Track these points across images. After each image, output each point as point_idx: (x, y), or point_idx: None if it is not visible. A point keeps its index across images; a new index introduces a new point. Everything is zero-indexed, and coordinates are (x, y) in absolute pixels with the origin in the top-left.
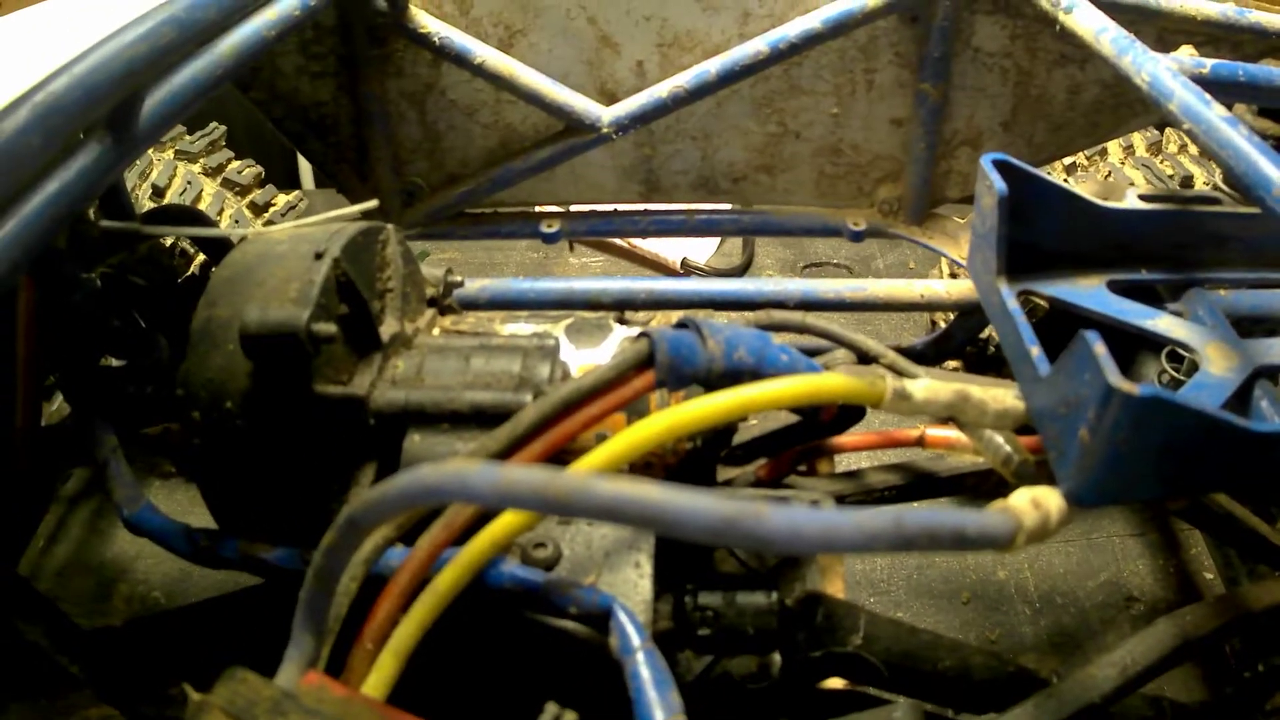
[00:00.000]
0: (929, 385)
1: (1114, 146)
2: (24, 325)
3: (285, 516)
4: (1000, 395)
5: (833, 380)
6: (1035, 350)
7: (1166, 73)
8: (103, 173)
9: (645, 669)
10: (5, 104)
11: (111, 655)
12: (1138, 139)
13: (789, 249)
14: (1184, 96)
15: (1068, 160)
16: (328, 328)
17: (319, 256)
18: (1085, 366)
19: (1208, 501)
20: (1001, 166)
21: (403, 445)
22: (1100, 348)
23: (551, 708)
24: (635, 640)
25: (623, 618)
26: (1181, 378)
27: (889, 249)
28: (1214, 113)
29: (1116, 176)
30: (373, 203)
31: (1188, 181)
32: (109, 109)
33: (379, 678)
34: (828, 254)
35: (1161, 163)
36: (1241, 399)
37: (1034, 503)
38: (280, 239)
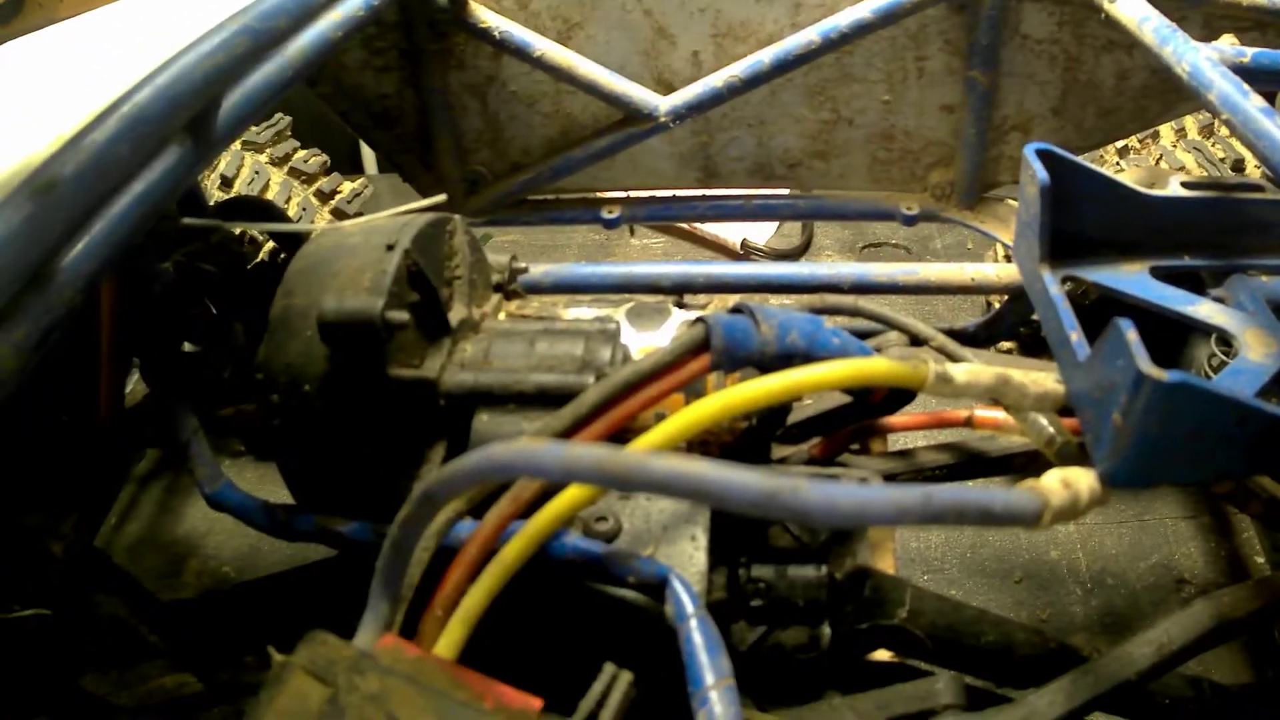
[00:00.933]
0: (970, 369)
1: (1166, 130)
2: (107, 315)
3: (360, 492)
4: (1040, 379)
5: (877, 364)
6: (1074, 335)
7: (1206, 62)
8: (183, 174)
9: (698, 634)
10: (94, 115)
11: (187, 625)
12: (1190, 122)
13: (848, 230)
14: (1222, 86)
15: (1120, 144)
16: (400, 315)
17: (390, 248)
18: (1118, 352)
19: (1253, 486)
20: (1044, 155)
21: (472, 425)
22: (1132, 334)
23: (609, 668)
24: (689, 607)
25: (678, 586)
26: (1230, 360)
27: (947, 230)
28: (1251, 103)
29: (1168, 160)
30: (441, 197)
31: (1239, 165)
32: (190, 116)
33: (449, 642)
34: (886, 235)
35: (1213, 145)
36: None
37: (1064, 482)
38: (352, 232)
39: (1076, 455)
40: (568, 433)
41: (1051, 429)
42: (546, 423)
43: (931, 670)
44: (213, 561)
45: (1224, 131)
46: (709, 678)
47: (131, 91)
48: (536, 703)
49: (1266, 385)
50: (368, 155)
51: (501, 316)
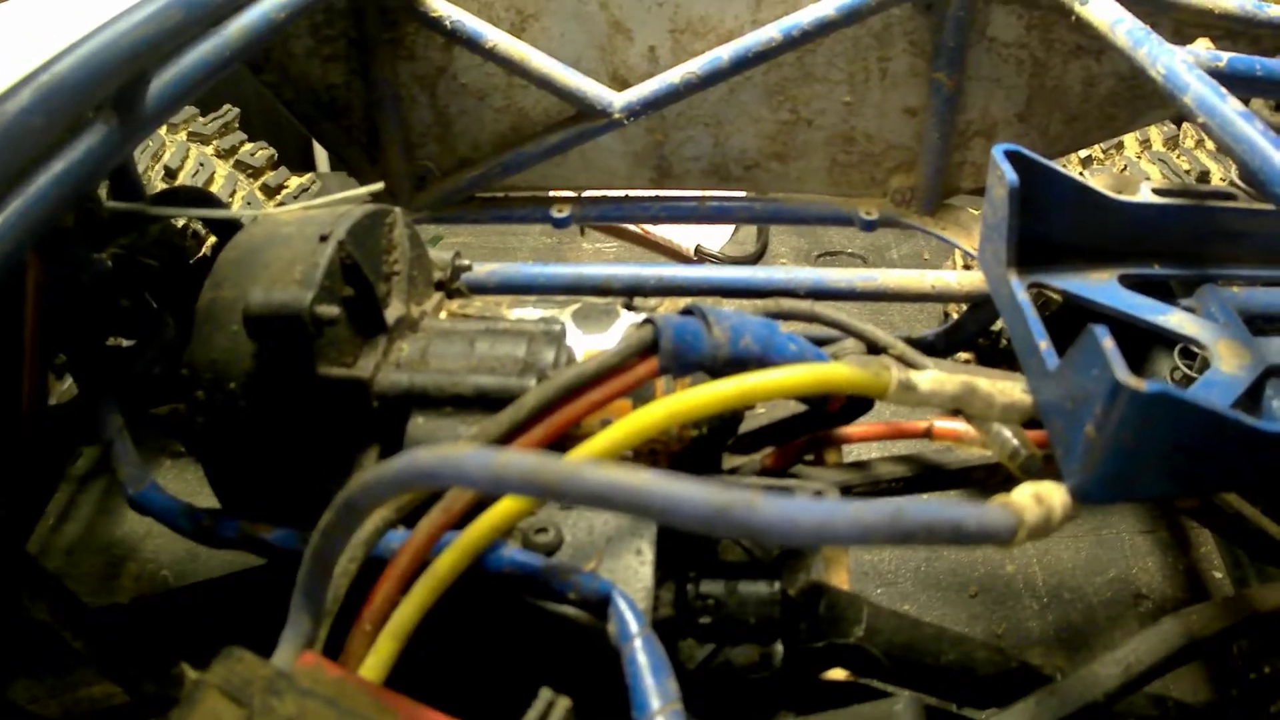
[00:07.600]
0: (935, 376)
1: (1130, 140)
2: (31, 304)
3: (287, 497)
4: (1007, 388)
5: (837, 370)
6: (1043, 344)
7: (1182, 65)
8: (109, 153)
9: (643, 655)
10: (9, 84)
11: (116, 633)
12: (1154, 133)
13: (803, 238)
14: (1199, 90)
15: (1084, 153)
16: (330, 309)
17: (324, 239)
18: (1093, 361)
19: (1217, 501)
20: (1013, 157)
21: (406, 428)
22: (1108, 342)
23: (545, 693)
24: (634, 627)
25: (622, 604)
26: (1194, 374)
27: (904, 239)
28: (1229, 107)
29: (1132, 171)
30: (378, 185)
31: (1204, 177)
32: (115, 90)
33: (377, 660)
34: (842, 243)
35: (1178, 158)
36: (1253, 398)
37: (1036, 498)
38: (287, 221)
39: (1041, 469)
40: (506, 438)
41: (1016, 441)
42: (483, 427)
43: (889, 690)
44: (151, 565)
45: (1189, 144)
46: (654, 702)
47: (50, 61)
48: None
49: (1240, 398)
50: (319, 152)
51: (442, 315)
